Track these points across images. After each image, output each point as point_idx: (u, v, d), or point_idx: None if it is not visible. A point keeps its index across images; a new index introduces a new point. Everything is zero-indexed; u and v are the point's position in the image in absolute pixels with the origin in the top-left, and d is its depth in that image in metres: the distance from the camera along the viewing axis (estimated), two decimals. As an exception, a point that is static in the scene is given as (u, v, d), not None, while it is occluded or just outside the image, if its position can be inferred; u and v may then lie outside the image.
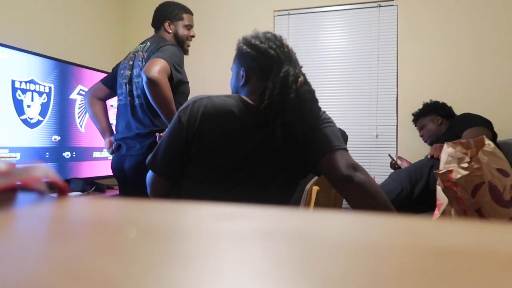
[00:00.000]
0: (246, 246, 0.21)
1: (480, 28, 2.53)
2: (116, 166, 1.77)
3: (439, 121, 2.35)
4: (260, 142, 1.04)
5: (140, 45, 1.83)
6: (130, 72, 1.76)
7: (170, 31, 1.84)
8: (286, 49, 1.07)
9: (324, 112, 1.12)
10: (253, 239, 0.22)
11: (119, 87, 1.79)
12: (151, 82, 1.48)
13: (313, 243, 0.21)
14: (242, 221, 0.26)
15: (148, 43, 1.78)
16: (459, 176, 1.17)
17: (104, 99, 1.91)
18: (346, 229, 0.25)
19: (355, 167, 0.99)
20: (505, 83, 2.47)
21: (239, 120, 1.03)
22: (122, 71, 1.80)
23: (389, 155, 2.46)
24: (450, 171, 1.19)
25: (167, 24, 1.84)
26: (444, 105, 2.39)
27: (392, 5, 2.71)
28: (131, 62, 1.78)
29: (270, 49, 1.05)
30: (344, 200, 1.48)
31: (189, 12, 1.89)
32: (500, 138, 2.17)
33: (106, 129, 1.87)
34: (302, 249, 0.20)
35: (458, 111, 2.35)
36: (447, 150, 1.28)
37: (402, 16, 2.67)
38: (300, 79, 1.01)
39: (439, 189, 1.30)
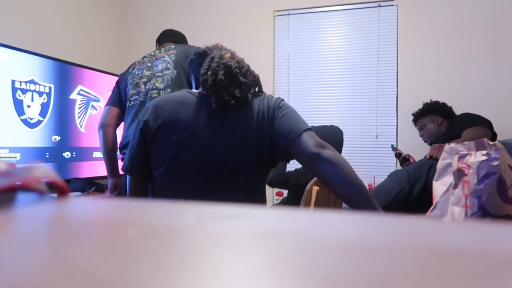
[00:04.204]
0: (246, 246, 0.21)
1: (480, 28, 2.53)
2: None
3: (439, 121, 2.35)
4: (213, 127, 1.13)
5: (156, 51, 1.80)
6: (151, 71, 1.72)
7: None
8: (218, 46, 1.23)
9: (283, 99, 1.20)
10: (253, 239, 0.22)
11: (134, 88, 1.74)
12: None
13: (313, 243, 0.21)
14: (242, 221, 0.26)
15: (171, 45, 1.79)
16: (475, 160, 1.19)
17: (117, 124, 1.84)
18: (346, 229, 0.25)
19: (323, 145, 1.07)
20: (505, 83, 2.47)
21: (186, 105, 1.15)
22: (137, 72, 1.76)
23: (392, 146, 2.47)
24: (470, 154, 1.21)
25: None
26: (444, 105, 2.39)
27: (392, 5, 2.71)
28: (149, 64, 1.75)
29: (206, 49, 1.24)
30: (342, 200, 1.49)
31: None
32: (500, 138, 2.17)
33: (115, 169, 1.84)
34: (302, 249, 0.20)
35: (458, 111, 2.35)
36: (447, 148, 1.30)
37: (402, 16, 2.67)
38: (226, 55, 1.15)
39: (435, 184, 1.31)
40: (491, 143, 1.24)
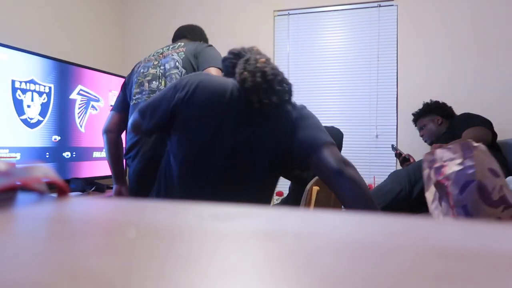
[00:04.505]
0: (246, 246, 0.21)
1: (480, 27, 2.53)
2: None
3: (439, 121, 2.35)
4: (242, 128, 1.10)
5: (164, 48, 1.75)
6: (157, 70, 1.68)
7: None
8: (253, 49, 1.20)
9: (305, 107, 1.19)
10: (253, 239, 0.22)
11: (138, 87, 1.70)
12: None
13: (313, 243, 0.21)
14: (242, 221, 0.26)
15: (180, 43, 1.74)
16: (451, 171, 1.19)
17: (121, 130, 1.82)
18: (346, 229, 0.25)
19: (345, 162, 1.05)
20: (505, 83, 2.47)
21: (227, 99, 1.10)
22: (142, 70, 1.71)
23: (392, 146, 2.47)
24: (444, 166, 1.21)
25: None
26: (444, 105, 2.39)
27: (392, 5, 2.71)
28: (155, 62, 1.70)
29: (241, 50, 1.22)
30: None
31: None
32: (500, 138, 2.17)
33: (120, 175, 1.80)
34: (302, 249, 0.20)
35: (458, 111, 2.35)
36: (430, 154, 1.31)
37: (402, 16, 2.68)
38: (261, 60, 1.12)
39: (426, 194, 1.31)
40: (470, 144, 1.23)
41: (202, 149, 1.09)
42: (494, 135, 2.10)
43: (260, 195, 1.15)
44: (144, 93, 1.67)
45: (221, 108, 1.09)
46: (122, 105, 1.78)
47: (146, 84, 1.68)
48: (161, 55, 1.73)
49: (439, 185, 1.23)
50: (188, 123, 1.10)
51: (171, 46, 1.75)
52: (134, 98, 1.70)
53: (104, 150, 1.81)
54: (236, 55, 1.20)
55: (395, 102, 2.69)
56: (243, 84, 1.10)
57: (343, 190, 1.02)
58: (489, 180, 1.17)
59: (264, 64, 1.12)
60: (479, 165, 1.18)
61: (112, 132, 1.78)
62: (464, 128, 2.08)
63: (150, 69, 1.70)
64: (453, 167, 1.19)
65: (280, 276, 0.16)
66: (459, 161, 1.20)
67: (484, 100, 2.48)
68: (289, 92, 1.16)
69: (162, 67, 1.69)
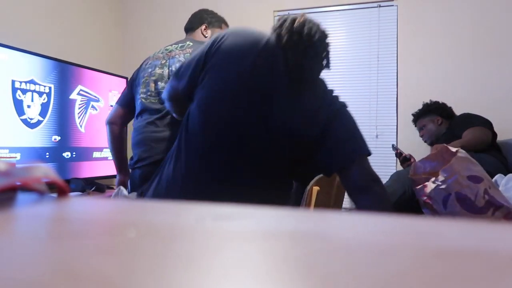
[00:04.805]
0: (246, 246, 0.21)
1: (480, 28, 2.53)
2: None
3: (439, 121, 2.35)
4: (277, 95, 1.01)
5: (173, 45, 1.71)
6: (164, 70, 1.66)
7: (206, 35, 1.83)
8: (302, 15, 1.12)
9: (345, 105, 1.11)
10: (253, 239, 0.22)
11: (144, 86, 1.67)
12: None
13: (313, 243, 0.21)
14: (242, 221, 0.26)
15: (189, 43, 1.70)
16: (429, 190, 1.19)
17: (124, 123, 1.81)
18: (346, 229, 0.25)
19: (374, 179, 1.02)
20: (505, 83, 2.47)
21: (263, 43, 1.03)
22: (150, 69, 1.68)
23: (392, 145, 2.47)
24: (425, 186, 1.21)
25: (204, 27, 1.87)
26: (444, 105, 2.39)
27: (392, 5, 2.71)
28: (163, 61, 1.67)
29: (288, 16, 1.14)
30: (344, 200, 1.49)
31: (227, 25, 1.97)
32: (500, 138, 2.17)
33: (123, 166, 1.79)
34: (302, 249, 0.20)
35: (458, 111, 2.35)
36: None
37: (402, 16, 2.68)
38: (301, 18, 1.05)
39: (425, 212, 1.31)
40: (447, 152, 1.23)
41: (228, 96, 1.01)
42: (494, 135, 2.10)
43: (271, 178, 1.07)
44: (149, 93, 1.65)
45: (254, 53, 1.01)
46: (126, 100, 1.77)
47: (152, 85, 1.65)
48: (169, 54, 1.71)
49: (426, 205, 1.23)
50: (218, 67, 1.02)
51: (180, 45, 1.72)
52: (140, 96, 1.68)
53: (107, 141, 1.81)
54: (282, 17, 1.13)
55: (395, 102, 2.69)
56: (278, 41, 1.02)
57: (365, 208, 1.00)
58: (469, 188, 1.16)
59: (303, 23, 1.02)
60: (452, 177, 1.17)
61: (115, 124, 1.78)
62: (464, 128, 2.08)
63: (157, 68, 1.67)
64: (431, 185, 1.19)
65: (280, 276, 0.16)
66: (433, 178, 1.20)
67: (484, 100, 2.48)
68: (323, 58, 1.05)
69: (170, 68, 1.67)
